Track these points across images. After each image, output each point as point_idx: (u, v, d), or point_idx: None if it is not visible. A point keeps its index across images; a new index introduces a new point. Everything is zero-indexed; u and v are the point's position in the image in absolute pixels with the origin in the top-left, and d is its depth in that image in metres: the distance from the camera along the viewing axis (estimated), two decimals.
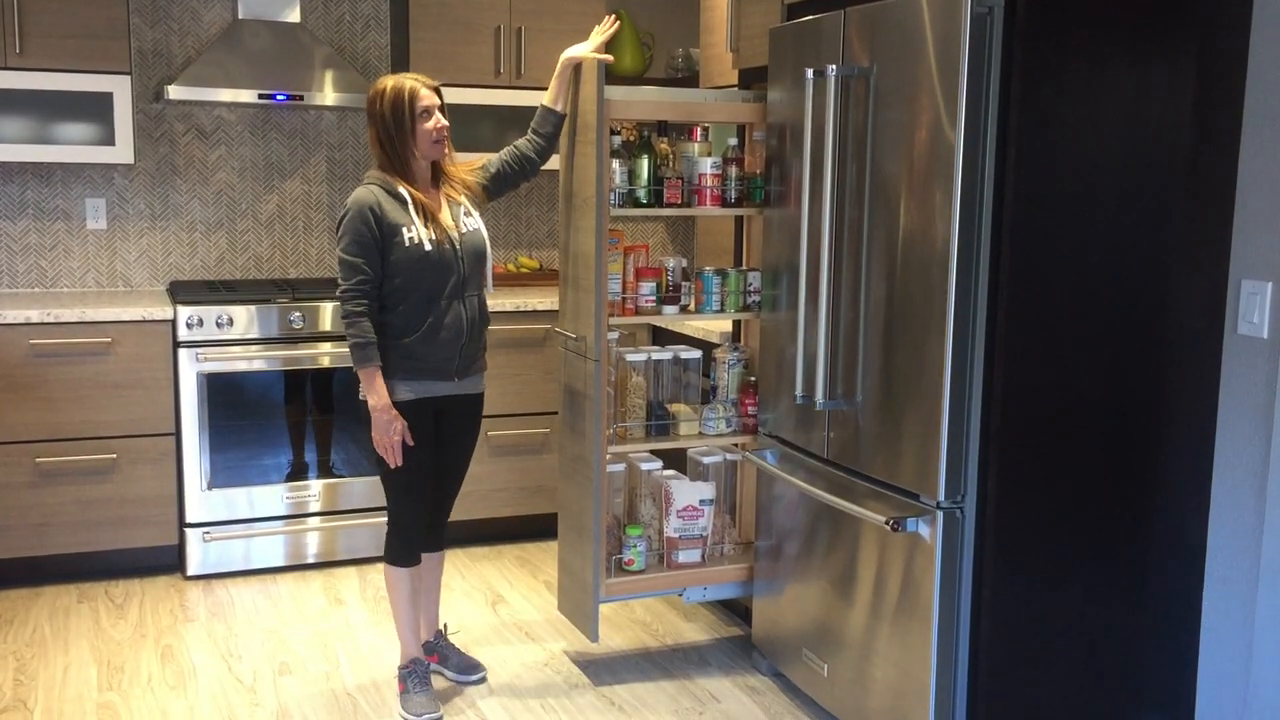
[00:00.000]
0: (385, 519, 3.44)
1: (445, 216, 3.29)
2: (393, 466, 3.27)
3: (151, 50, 4.73)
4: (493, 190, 3.48)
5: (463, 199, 3.36)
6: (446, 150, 3.32)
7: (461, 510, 3.62)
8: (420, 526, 3.40)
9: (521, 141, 3.51)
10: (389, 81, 3.23)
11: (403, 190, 3.22)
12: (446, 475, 3.49)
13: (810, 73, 3.15)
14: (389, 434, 3.22)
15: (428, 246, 3.19)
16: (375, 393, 3.21)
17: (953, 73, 2.72)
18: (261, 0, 4.63)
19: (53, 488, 4.23)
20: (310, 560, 4.55)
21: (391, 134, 3.22)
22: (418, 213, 3.21)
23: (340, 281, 3.21)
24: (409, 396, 3.27)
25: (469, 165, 3.46)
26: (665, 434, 3.76)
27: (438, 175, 3.34)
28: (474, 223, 3.35)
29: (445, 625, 3.71)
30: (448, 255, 3.24)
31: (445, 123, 3.26)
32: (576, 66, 3.45)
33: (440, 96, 3.28)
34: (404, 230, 3.19)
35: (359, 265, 3.18)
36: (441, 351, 3.27)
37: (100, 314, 4.22)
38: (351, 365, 3.23)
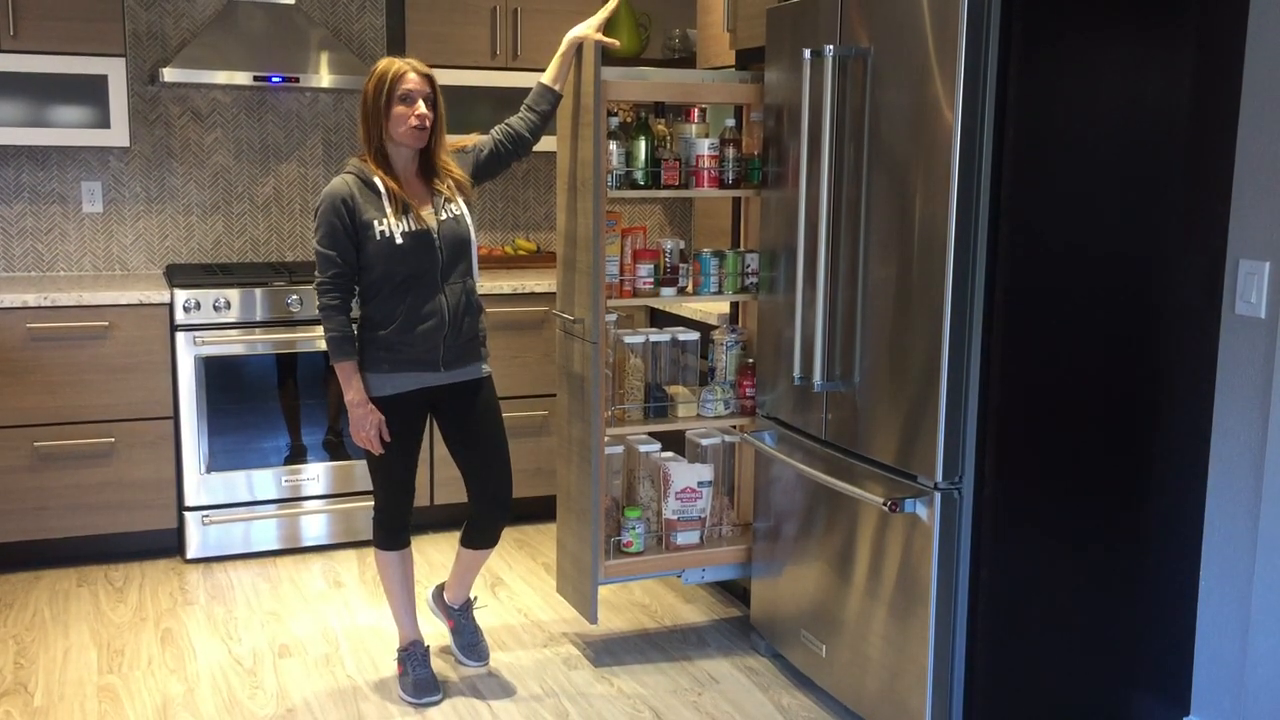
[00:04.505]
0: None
1: (423, 206, 3.22)
2: (375, 454, 3.27)
3: (146, 32, 4.70)
4: (485, 171, 3.43)
5: (447, 187, 3.28)
6: (438, 140, 3.23)
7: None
8: (404, 513, 3.38)
9: (515, 119, 3.45)
10: (381, 61, 3.19)
11: (378, 180, 3.17)
12: (477, 461, 3.41)
13: (808, 53, 3.13)
14: (365, 428, 3.21)
15: (399, 239, 3.14)
16: (351, 387, 3.20)
17: (951, 52, 2.71)
18: None
19: (51, 471, 4.23)
20: (309, 543, 4.56)
21: (369, 113, 3.17)
22: (391, 203, 3.16)
23: (316, 274, 3.19)
24: (388, 392, 3.23)
25: (459, 144, 3.41)
26: (663, 416, 3.76)
27: (425, 163, 3.27)
28: (456, 210, 3.27)
29: (475, 598, 3.71)
30: (422, 246, 3.18)
31: (425, 111, 3.16)
32: (579, 46, 3.43)
33: (434, 87, 3.20)
34: (375, 223, 3.14)
35: (333, 258, 3.15)
36: (422, 343, 3.22)
37: (97, 298, 4.21)
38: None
